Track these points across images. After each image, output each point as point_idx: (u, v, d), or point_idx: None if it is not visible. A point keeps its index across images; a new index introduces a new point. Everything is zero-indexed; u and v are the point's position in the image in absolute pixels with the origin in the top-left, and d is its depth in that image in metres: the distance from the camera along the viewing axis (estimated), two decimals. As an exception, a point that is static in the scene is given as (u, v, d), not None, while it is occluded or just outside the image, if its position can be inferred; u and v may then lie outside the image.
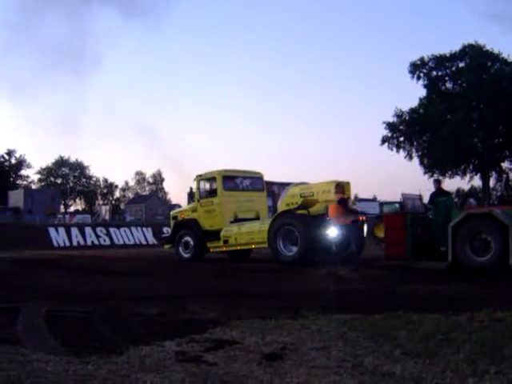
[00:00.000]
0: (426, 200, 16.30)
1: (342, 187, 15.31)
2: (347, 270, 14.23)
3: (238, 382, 4.56)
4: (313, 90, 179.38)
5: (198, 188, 20.67)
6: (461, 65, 53.60)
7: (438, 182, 16.48)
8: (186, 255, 20.57)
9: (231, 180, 20.67)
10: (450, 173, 55.98)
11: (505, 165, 56.59)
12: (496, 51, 52.14)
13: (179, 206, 47.84)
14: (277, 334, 6.32)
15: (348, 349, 5.55)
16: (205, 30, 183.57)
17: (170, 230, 23.32)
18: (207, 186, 20.78)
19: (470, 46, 52.71)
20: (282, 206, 18.40)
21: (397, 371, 4.74)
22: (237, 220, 19.97)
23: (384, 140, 56.54)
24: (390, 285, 11.43)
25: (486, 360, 4.96)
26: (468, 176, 56.84)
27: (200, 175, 20.66)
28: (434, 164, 55.36)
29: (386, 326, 6.54)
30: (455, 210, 14.81)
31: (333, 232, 16.41)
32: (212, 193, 20.39)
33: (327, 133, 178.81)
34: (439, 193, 15.89)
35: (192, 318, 7.49)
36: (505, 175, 57.96)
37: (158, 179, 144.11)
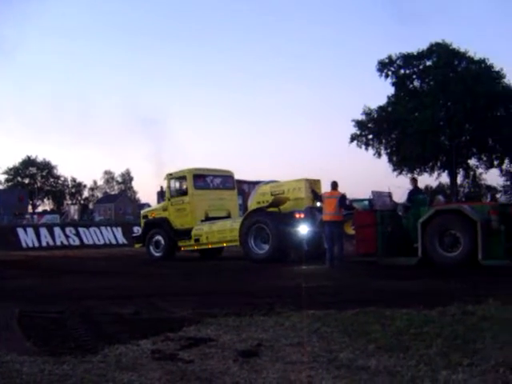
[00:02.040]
0: (395, 198, 16.48)
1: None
2: (322, 267, 14.36)
3: (214, 379, 4.56)
4: (282, 87, 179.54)
5: (169, 187, 20.61)
6: (428, 63, 54.18)
7: (414, 181, 16.67)
8: (157, 254, 20.50)
9: (202, 178, 20.65)
10: (418, 170, 56.52)
11: (472, 162, 57.38)
12: (463, 49, 52.84)
13: (149, 205, 47.69)
14: (251, 331, 6.34)
15: (322, 344, 5.60)
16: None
17: (140, 230, 23.24)
18: (178, 184, 20.75)
19: (437, 45, 53.29)
20: (252, 204, 18.44)
21: (372, 365, 4.79)
22: (208, 219, 19.97)
23: (353, 138, 56.92)
24: (361, 281, 11.56)
25: (458, 353, 5.05)
26: (436, 173, 57.51)
27: (170, 174, 20.61)
28: (402, 161, 55.86)
29: (359, 321, 6.61)
30: (425, 207, 14.99)
31: (304, 229, 16.50)
32: (183, 192, 20.36)
33: (296, 130, 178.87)
34: (416, 191, 16.08)
35: (166, 317, 7.49)
36: (472, 172, 58.75)
37: (126, 178, 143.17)
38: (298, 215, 16.73)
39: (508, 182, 58.51)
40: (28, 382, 4.61)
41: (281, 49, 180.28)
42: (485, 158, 56.36)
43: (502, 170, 57.19)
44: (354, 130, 56.91)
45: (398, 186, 21.57)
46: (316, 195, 16.88)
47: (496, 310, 6.90)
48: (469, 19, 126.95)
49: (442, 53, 52.23)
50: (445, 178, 59.67)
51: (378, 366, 4.77)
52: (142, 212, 23.74)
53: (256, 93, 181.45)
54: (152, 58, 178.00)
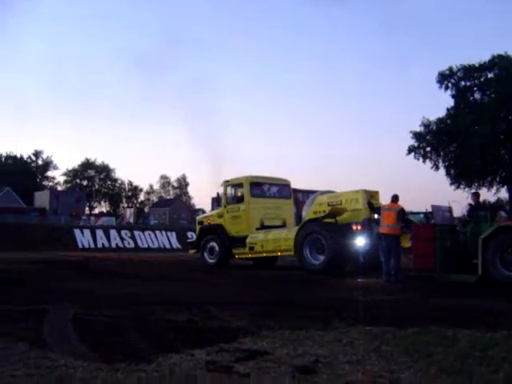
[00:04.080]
0: (455, 212, 16.06)
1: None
2: (379, 281, 14.12)
3: (272, 396, 4.45)
4: (340, 97, 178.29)
5: (225, 193, 20.63)
6: (490, 75, 53.01)
7: (476, 195, 16.07)
8: (211, 261, 20.51)
9: (258, 187, 20.61)
10: (476, 184, 55.24)
11: (532, 177, 55.80)
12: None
13: (203, 211, 47.97)
14: (308, 345, 6.19)
15: (383, 363, 5.41)
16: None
17: (195, 235, 23.31)
18: (234, 191, 20.73)
19: (500, 57, 52.09)
20: (309, 214, 18.26)
21: (435, 389, 4.60)
22: (263, 227, 19.89)
23: (410, 150, 56.01)
24: (419, 297, 11.26)
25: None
26: (495, 188, 56.11)
27: (227, 181, 20.62)
28: (460, 175, 54.71)
29: (419, 340, 6.39)
30: (486, 223, 14.55)
31: (360, 241, 16.25)
32: (239, 199, 20.33)
33: (354, 141, 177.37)
34: (478, 206, 15.56)
35: (221, 326, 7.41)
36: (531, 188, 57.12)
37: (182, 183, 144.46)
38: (354, 227, 16.49)
39: None
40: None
41: (345, 58, 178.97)
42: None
43: None
44: (412, 142, 56.05)
45: (454, 201, 21.08)
46: (373, 207, 16.62)
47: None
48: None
49: (504, 65, 51.03)
50: (504, 194, 58.15)
51: (442, 390, 4.58)
52: (198, 218, 23.82)
53: (314, 102, 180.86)
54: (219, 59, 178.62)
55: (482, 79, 53.54)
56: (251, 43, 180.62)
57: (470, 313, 8.92)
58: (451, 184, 55.29)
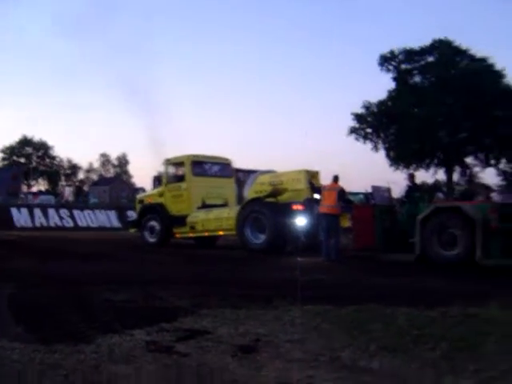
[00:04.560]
0: (396, 193, 16.34)
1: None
2: (319, 260, 14.24)
3: (213, 376, 4.41)
4: (282, 78, 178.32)
5: (166, 172, 20.44)
6: (430, 59, 53.93)
7: (411, 177, 16.36)
8: (152, 240, 20.35)
9: (200, 165, 20.48)
10: (414, 166, 56.33)
11: (469, 160, 57.19)
12: (464, 47, 52.57)
13: (143, 190, 47.46)
14: (249, 324, 6.18)
15: (323, 342, 5.44)
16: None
17: (135, 214, 23.07)
18: (175, 170, 20.58)
19: (440, 41, 52.99)
20: (250, 194, 18.29)
21: (374, 367, 4.65)
22: (204, 206, 19.81)
23: (351, 131, 56.68)
24: (359, 276, 11.41)
25: (463, 357, 4.90)
26: (433, 170, 57.32)
27: (168, 159, 20.42)
28: (399, 156, 55.68)
29: (359, 318, 6.45)
30: (424, 204, 14.85)
31: (301, 221, 16.35)
32: (180, 178, 20.19)
33: (295, 121, 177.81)
34: (414, 187, 15.87)
35: (161, 306, 7.34)
36: (468, 170, 58.57)
37: (122, 162, 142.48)
38: (295, 207, 16.59)
39: (504, 182, 58.36)
40: (17, 371, 4.44)
41: (285, 38, 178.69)
42: (482, 157, 56.18)
43: (498, 170, 57.05)
44: (353, 123, 56.68)
45: (393, 182, 21.48)
46: (314, 187, 16.74)
47: (499, 313, 6.73)
48: (472, 17, 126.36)
49: (444, 49, 51.97)
50: (441, 175, 59.45)
51: (381, 367, 4.62)
52: (138, 197, 23.57)
53: (256, 83, 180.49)
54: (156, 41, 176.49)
55: (423, 63, 54.42)
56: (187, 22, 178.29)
57: (408, 291, 9.07)
58: (390, 165, 56.26)
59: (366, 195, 28.50)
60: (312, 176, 17.47)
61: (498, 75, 51.45)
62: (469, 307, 7.06)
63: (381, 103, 55.65)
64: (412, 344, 5.35)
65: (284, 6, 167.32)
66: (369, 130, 56.60)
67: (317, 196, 16.39)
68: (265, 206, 17.22)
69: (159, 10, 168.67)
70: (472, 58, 52.68)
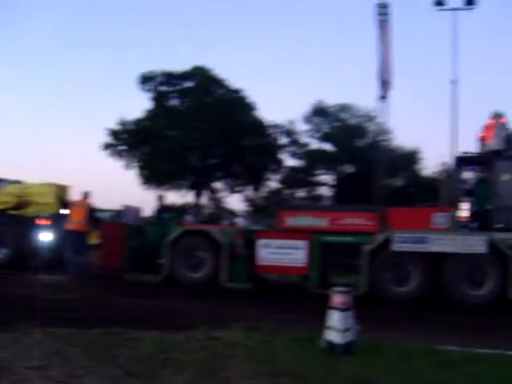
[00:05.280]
0: (146, 213, 16.38)
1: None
2: (64, 278, 13.70)
3: None
4: (39, 87, 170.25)
5: None
6: (188, 84, 55.33)
7: (161, 198, 16.54)
8: None
9: None
10: (166, 186, 57.07)
11: (218, 185, 59.47)
12: (222, 77, 54.79)
13: None
14: (-14, 348, 5.70)
15: (67, 368, 5.18)
16: None
17: None
18: None
19: (199, 68, 54.63)
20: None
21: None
22: None
23: (106, 147, 55.90)
24: (106, 297, 11.16)
25: (209, 381, 4.98)
26: (183, 192, 58.58)
27: None
28: (152, 176, 56.07)
29: (104, 342, 6.28)
30: (173, 225, 15.06)
31: (46, 236, 15.68)
32: None
33: (52, 135, 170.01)
34: (163, 208, 16.05)
35: None
36: (216, 195, 60.82)
37: None
38: (41, 221, 15.86)
39: (248, 208, 61.60)
40: None
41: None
42: (230, 183, 58.74)
43: (244, 196, 60.05)
44: (109, 139, 55.93)
45: (144, 202, 21.52)
46: (63, 202, 16.18)
47: (242, 337, 6.97)
48: (231, 50, 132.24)
49: (202, 76, 53.69)
50: (191, 198, 61.06)
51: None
52: None
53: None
54: None
55: (181, 87, 55.61)
56: None
57: (154, 313, 9.09)
58: (143, 184, 56.37)
59: (117, 213, 28.15)
60: (62, 190, 16.85)
61: (250, 107, 54.47)
62: (214, 330, 7.23)
63: (137, 121, 55.74)
64: (159, 369, 5.32)
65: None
66: (123, 148, 56.27)
67: (66, 211, 15.81)
68: (7, 218, 16.19)
69: None
70: (228, 89, 55.11)
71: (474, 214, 13.56)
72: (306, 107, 44.46)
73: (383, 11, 24.81)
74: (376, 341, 6.75)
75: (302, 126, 56.23)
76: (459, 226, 13.13)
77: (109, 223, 16.93)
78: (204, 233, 14.10)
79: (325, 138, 54.80)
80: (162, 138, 51.95)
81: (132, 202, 16.27)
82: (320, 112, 54.81)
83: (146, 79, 55.43)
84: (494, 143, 13.37)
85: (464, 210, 13.77)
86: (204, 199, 60.65)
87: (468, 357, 6.25)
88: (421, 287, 12.45)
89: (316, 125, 55.88)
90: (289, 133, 56.77)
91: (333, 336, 6.23)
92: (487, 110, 13.94)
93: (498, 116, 13.83)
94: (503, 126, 13.63)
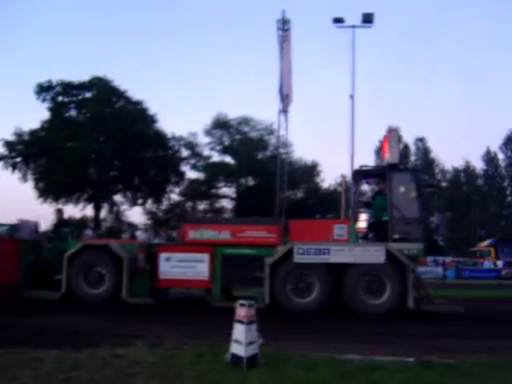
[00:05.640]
0: (44, 227, 15.91)
1: None
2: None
3: None
4: None
5: None
6: (87, 95, 54.25)
7: (59, 212, 16.08)
8: None
9: None
10: (63, 200, 55.69)
11: (117, 198, 58.53)
12: (123, 88, 54.02)
13: None
14: None
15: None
16: None
17: None
18: None
19: (98, 79, 53.72)
20: None
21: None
22: None
23: (0, 158, 53.95)
24: (4, 315, 10.69)
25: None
26: (81, 205, 57.27)
27: None
28: (47, 189, 54.51)
29: (6, 362, 6.05)
30: (72, 240, 14.67)
31: None
32: None
33: None
34: (61, 222, 15.61)
35: None
36: (116, 208, 59.85)
37: None
38: None
39: (149, 222, 60.90)
40: None
41: None
42: (130, 196, 57.91)
43: (145, 209, 59.31)
44: (2, 151, 53.90)
45: (42, 215, 20.90)
46: None
47: (145, 354, 6.90)
48: (131, 60, 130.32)
49: (101, 87, 52.77)
50: (90, 211, 59.70)
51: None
52: None
53: None
54: None
55: (80, 98, 54.42)
56: None
57: (55, 332, 8.84)
58: (39, 197, 54.72)
59: (12, 228, 27.11)
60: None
61: (151, 119, 54.07)
62: (116, 347, 7.11)
63: (33, 132, 54.08)
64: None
65: None
66: (18, 159, 54.42)
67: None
68: None
69: None
70: (128, 100, 54.44)
71: (372, 225, 14.08)
72: (207, 120, 44.82)
73: (284, 27, 25.43)
74: (280, 353, 6.84)
75: (203, 139, 56.59)
76: (358, 237, 13.56)
77: (3, 238, 16.29)
78: (104, 247, 13.82)
79: (226, 150, 55.51)
80: (58, 150, 50.60)
81: (28, 215, 15.73)
82: (221, 125, 55.43)
83: (43, 89, 53.92)
84: (389, 157, 13.90)
85: (362, 222, 14.30)
86: (104, 212, 59.69)
87: (368, 365, 6.44)
88: (322, 298, 12.72)
89: (217, 137, 56.52)
90: (190, 145, 57.09)
91: (237, 349, 6.26)
92: (384, 124, 14.54)
93: (392, 130, 14.45)
94: (398, 139, 14.22)
